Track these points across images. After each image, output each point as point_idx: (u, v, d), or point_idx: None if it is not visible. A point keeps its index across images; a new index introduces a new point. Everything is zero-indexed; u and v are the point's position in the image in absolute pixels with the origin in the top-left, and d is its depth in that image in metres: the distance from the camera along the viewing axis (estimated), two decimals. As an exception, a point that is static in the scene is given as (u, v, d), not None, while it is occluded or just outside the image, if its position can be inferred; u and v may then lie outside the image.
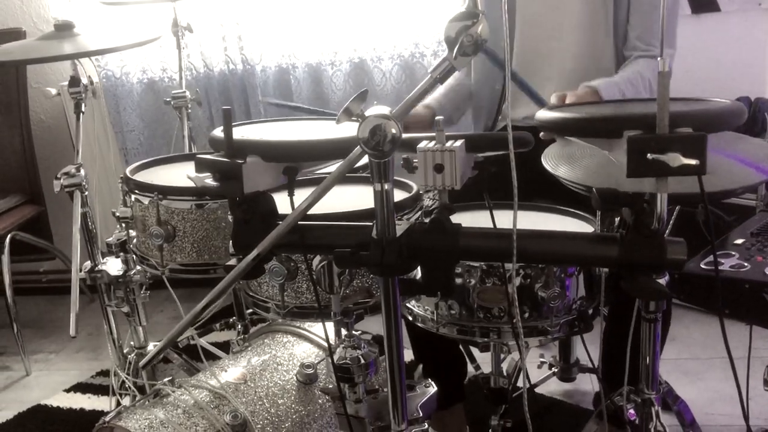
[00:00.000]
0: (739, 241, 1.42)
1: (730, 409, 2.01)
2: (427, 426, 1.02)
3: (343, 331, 1.07)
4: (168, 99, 2.02)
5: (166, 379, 1.42)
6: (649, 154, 0.79)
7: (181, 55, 2.12)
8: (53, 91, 2.70)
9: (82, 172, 1.62)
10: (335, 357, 1.06)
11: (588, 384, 2.25)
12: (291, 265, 1.16)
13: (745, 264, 1.32)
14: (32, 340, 2.89)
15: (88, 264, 1.67)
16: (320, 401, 1.41)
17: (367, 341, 1.08)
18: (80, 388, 2.50)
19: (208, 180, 0.93)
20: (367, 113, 0.87)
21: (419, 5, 2.61)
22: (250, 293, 1.28)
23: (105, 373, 2.57)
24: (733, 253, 1.37)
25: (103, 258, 1.69)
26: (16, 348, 2.71)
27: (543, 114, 0.99)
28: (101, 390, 2.46)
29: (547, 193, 1.40)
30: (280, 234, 0.94)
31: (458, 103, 1.95)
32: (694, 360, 2.30)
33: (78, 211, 1.60)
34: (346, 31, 2.67)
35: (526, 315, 1.30)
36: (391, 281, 0.93)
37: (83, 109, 1.71)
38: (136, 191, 1.47)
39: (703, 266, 1.34)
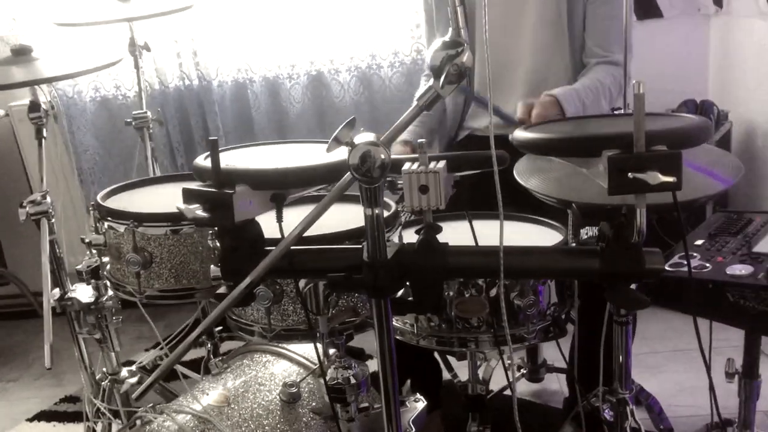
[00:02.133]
0: (699, 242, 1.50)
1: (692, 400, 2.10)
2: (420, 440, 1.05)
3: (332, 351, 1.09)
4: (129, 120, 1.99)
5: (147, 406, 1.40)
6: (630, 173, 0.83)
7: (139, 75, 2.09)
8: (1, 113, 2.64)
9: (48, 199, 1.59)
10: (328, 378, 1.07)
11: (555, 383, 2.32)
12: (276, 289, 1.17)
13: (707, 264, 1.39)
14: (-13, 369, 2.80)
15: (56, 291, 1.64)
16: (305, 419, 1.41)
17: (357, 361, 1.09)
18: (44, 416, 2.44)
19: (198, 211, 0.93)
20: (356, 140, 0.89)
21: (374, 17, 2.64)
22: (234, 317, 1.28)
23: (69, 400, 2.51)
24: (695, 254, 1.45)
25: (71, 285, 1.66)
26: (-29, 379, 2.63)
27: (520, 134, 1.03)
28: (67, 417, 2.41)
29: (516, 200, 1.45)
30: (271, 261, 0.95)
31: (431, 126, 1.99)
32: (654, 354, 2.39)
33: (46, 239, 1.56)
34: (302, 44, 2.68)
35: (503, 324, 1.33)
36: (384, 302, 0.95)
37: (45, 134, 1.67)
38: (110, 218, 1.45)
39: (668, 268, 1.40)
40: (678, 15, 2.71)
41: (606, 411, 1.39)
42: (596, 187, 0.94)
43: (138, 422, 1.36)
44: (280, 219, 1.00)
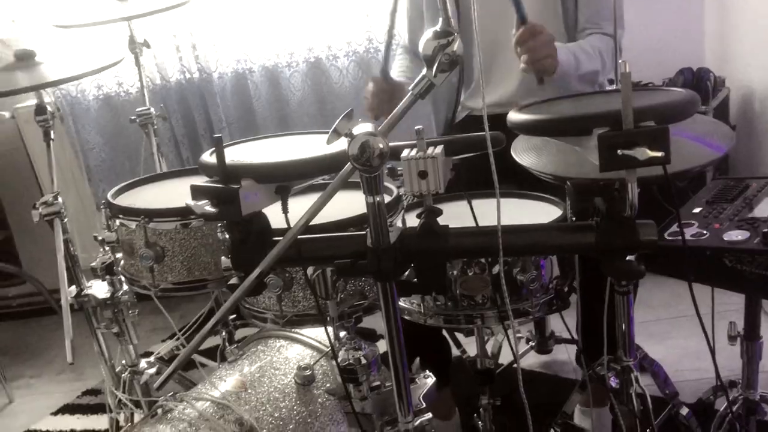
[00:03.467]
0: (697, 210, 1.53)
1: (697, 364, 2.14)
2: (431, 415, 1.09)
3: (342, 334, 1.13)
4: (133, 117, 2.03)
5: (168, 395, 1.46)
6: (618, 150, 0.86)
7: (141, 72, 2.13)
8: (7, 115, 2.68)
9: (60, 199, 1.63)
10: (339, 359, 1.11)
11: (564, 354, 2.36)
12: (286, 276, 1.21)
13: (705, 232, 1.42)
14: (10, 366, 2.87)
15: (73, 289, 1.69)
16: (320, 400, 1.46)
17: (367, 342, 1.14)
18: (68, 409, 2.51)
19: (207, 207, 0.97)
20: (355, 131, 0.92)
21: (370, 0, 2.65)
22: (246, 305, 1.32)
23: (91, 393, 2.58)
24: (693, 222, 1.47)
25: (87, 281, 1.70)
26: (-5, 377, 2.69)
27: (514, 116, 1.06)
28: (90, 409, 2.48)
29: (516, 177, 1.48)
30: (279, 251, 0.99)
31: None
32: (658, 321, 2.43)
33: (60, 239, 1.61)
34: (300, 32, 2.70)
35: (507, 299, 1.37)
36: (389, 285, 0.99)
37: (52, 136, 1.71)
38: (121, 216, 1.50)
39: (667, 237, 1.44)
40: (672, -17, 2.71)
41: (611, 379, 1.43)
42: (590, 164, 0.97)
43: (159, 411, 1.41)
44: (285, 210, 1.03)
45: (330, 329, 1.16)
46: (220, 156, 0.99)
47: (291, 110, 2.76)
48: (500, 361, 2.14)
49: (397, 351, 1.03)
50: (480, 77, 1.22)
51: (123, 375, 1.76)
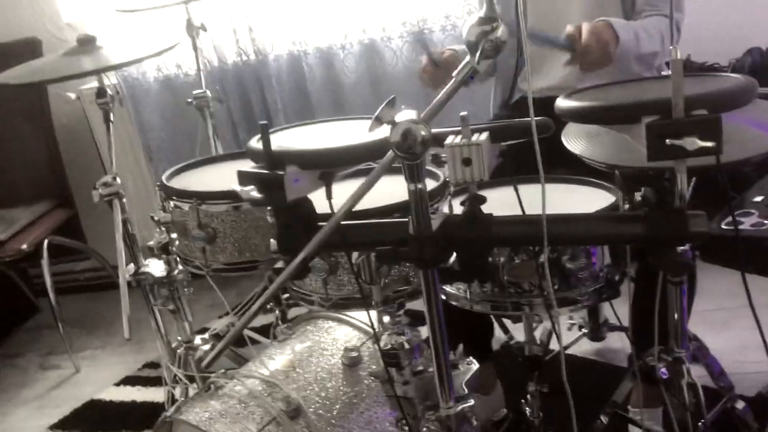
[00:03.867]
0: (758, 199, 1.47)
1: (760, 357, 2.06)
2: (473, 402, 1.09)
3: (386, 319, 1.14)
4: (189, 100, 2.07)
5: (219, 371, 1.50)
6: (667, 140, 0.84)
7: (198, 55, 2.17)
8: (73, 96, 2.77)
9: (119, 180, 1.69)
10: (382, 344, 1.13)
11: (618, 342, 2.32)
12: (331, 261, 1.23)
13: (765, 222, 1.37)
14: (77, 337, 3.01)
15: (131, 267, 1.75)
16: (366, 382, 1.48)
17: (409, 325, 1.14)
18: (129, 381, 2.61)
19: (253, 192, 0.99)
20: (397, 119, 0.92)
21: (424, -19, 2.63)
22: (294, 288, 1.35)
23: (150, 366, 2.68)
24: (753, 211, 1.43)
25: (144, 260, 1.76)
26: (63, 347, 2.82)
27: (562, 102, 1.04)
28: (149, 382, 2.57)
29: (569, 163, 1.45)
30: (323, 237, 1.01)
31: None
32: (720, 310, 2.35)
33: (119, 218, 1.67)
34: (354, 13, 2.70)
35: (556, 287, 1.35)
36: (431, 272, 0.99)
37: (112, 118, 1.76)
38: (174, 198, 1.54)
39: (723, 227, 1.39)
40: (742, -43, 2.59)
41: (662, 370, 1.40)
42: (639, 153, 0.94)
43: (212, 387, 1.46)
44: (329, 196, 1.04)
45: (374, 314, 1.17)
46: (266, 142, 1.00)
47: (345, 93, 2.77)
48: (552, 346, 2.12)
49: (439, 337, 1.03)
50: (526, 60, 1.19)
51: (178, 351, 1.82)
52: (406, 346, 1.13)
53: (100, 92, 1.76)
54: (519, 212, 1.08)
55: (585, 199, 1.45)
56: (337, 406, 1.42)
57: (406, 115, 0.93)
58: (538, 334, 1.65)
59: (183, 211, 1.53)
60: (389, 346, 1.12)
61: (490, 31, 0.87)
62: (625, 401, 1.69)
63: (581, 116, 0.99)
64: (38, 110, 2.94)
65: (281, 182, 0.98)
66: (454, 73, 0.93)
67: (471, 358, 1.19)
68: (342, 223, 1.02)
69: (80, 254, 3.07)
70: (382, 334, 1.13)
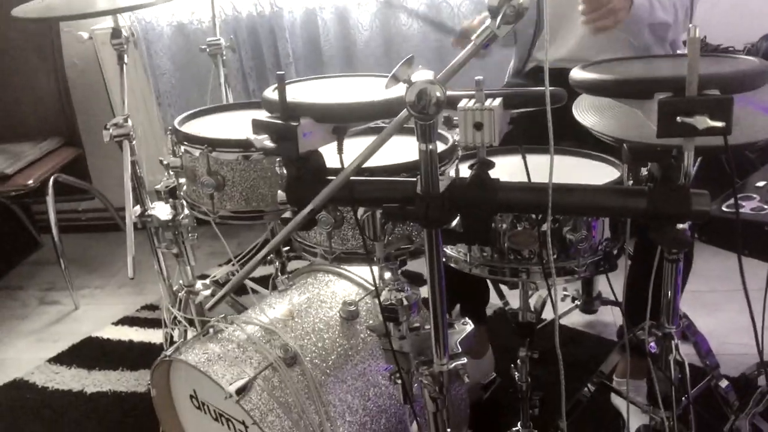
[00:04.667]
0: (761, 184, 1.49)
1: (746, 340, 2.09)
2: (465, 360, 1.13)
3: (388, 275, 1.17)
4: (203, 46, 2.07)
5: (219, 316, 1.54)
6: (678, 117, 0.85)
7: (213, 1, 2.15)
8: (85, 35, 2.76)
9: (130, 122, 1.70)
10: (381, 299, 1.15)
11: (609, 316, 2.36)
12: (337, 215, 1.25)
13: (766, 207, 1.39)
14: (77, 276, 3.05)
15: (137, 209, 1.77)
16: (362, 336, 1.52)
17: (408, 283, 1.17)
18: (127, 321, 2.66)
19: (266, 142, 1.00)
20: (413, 78, 0.93)
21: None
22: (298, 239, 1.37)
23: (149, 308, 2.73)
24: (754, 195, 1.44)
25: (151, 203, 1.79)
26: (63, 283, 2.87)
27: (576, 73, 1.05)
28: (147, 323, 2.62)
29: (577, 135, 1.46)
30: (332, 191, 1.02)
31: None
32: (713, 292, 2.39)
33: (128, 160, 1.69)
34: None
35: (555, 256, 1.38)
36: (434, 232, 1.02)
37: (126, 60, 1.77)
38: (186, 143, 1.55)
39: (724, 209, 1.41)
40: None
41: (651, 344, 1.44)
42: (649, 129, 0.96)
43: (211, 330, 1.50)
44: (341, 150, 1.06)
45: (375, 269, 1.19)
46: (282, 93, 1.01)
47: (357, 50, 2.76)
48: (544, 316, 2.16)
49: (438, 296, 1.06)
50: (545, 30, 1.20)
51: (179, 294, 1.85)
52: (405, 302, 1.16)
53: (115, 33, 1.76)
54: (525, 180, 1.10)
55: (590, 173, 1.47)
56: (333, 357, 1.46)
57: (422, 75, 0.93)
58: (532, 302, 1.68)
59: (193, 156, 1.54)
60: (389, 302, 1.14)
61: (513, -4, 0.88)
62: (611, 372, 1.73)
63: (595, 88, 1.00)
64: (50, 47, 2.93)
65: (294, 133, 1.00)
66: (473, 37, 0.93)
67: (467, 318, 1.22)
68: (351, 178, 1.04)
69: (84, 194, 3.10)
70: (382, 289, 1.15)
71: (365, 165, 1.03)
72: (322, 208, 1.08)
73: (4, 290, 3.07)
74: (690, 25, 0.84)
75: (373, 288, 1.48)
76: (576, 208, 1.03)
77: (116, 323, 2.65)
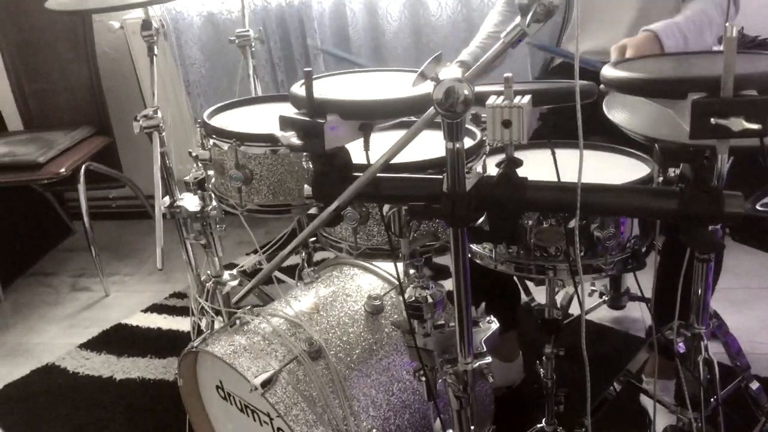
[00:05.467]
0: (796, 182, 1.45)
1: (777, 339, 2.07)
2: (490, 359, 1.12)
3: (412, 271, 1.16)
4: (232, 38, 2.07)
5: (246, 308, 1.55)
6: (712, 119, 0.83)
7: (243, -7, 2.16)
8: (116, 25, 2.79)
9: (159, 114, 1.71)
10: (406, 296, 1.15)
11: (637, 312, 2.33)
12: (363, 211, 1.25)
13: (801, 206, 1.36)
14: (108, 263, 3.10)
15: (167, 199, 1.79)
16: (386, 330, 1.52)
17: (434, 280, 1.16)
18: (156, 308, 2.70)
19: (293, 138, 1.00)
20: (441, 76, 0.92)
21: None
22: (324, 234, 1.37)
23: (178, 296, 2.76)
24: (791, 195, 1.41)
25: (180, 193, 1.80)
26: (94, 270, 2.92)
27: (607, 71, 1.03)
28: (176, 311, 2.66)
29: (607, 131, 1.44)
30: (358, 187, 1.02)
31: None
32: (744, 289, 2.35)
33: (158, 151, 1.70)
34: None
35: (582, 254, 1.36)
36: (461, 231, 1.01)
37: (156, 51, 1.78)
38: (215, 136, 1.56)
39: (759, 208, 1.38)
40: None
41: (680, 344, 1.42)
42: (682, 129, 0.94)
43: (237, 322, 1.51)
44: (367, 147, 1.05)
45: (400, 266, 1.19)
46: (309, 89, 1.01)
47: (386, 40, 2.75)
48: (571, 311, 2.14)
49: (463, 294, 1.05)
50: (575, 14, 1.18)
51: (207, 284, 1.87)
52: (430, 300, 1.15)
53: (145, 24, 1.77)
54: (554, 176, 1.09)
55: (620, 169, 1.45)
56: (357, 351, 1.47)
57: (450, 72, 0.93)
58: (558, 298, 1.67)
59: (222, 150, 1.55)
60: (413, 299, 1.14)
61: (544, -6, 0.86)
62: (639, 370, 1.71)
63: (627, 87, 0.98)
64: (82, 36, 2.97)
65: (321, 130, 0.99)
66: (502, 35, 0.92)
67: (492, 317, 1.21)
68: (377, 175, 1.04)
69: (115, 182, 3.14)
70: (407, 286, 1.15)
71: (393, 162, 1.03)
72: (348, 204, 1.08)
73: (38, 276, 3.14)
74: (727, 24, 0.82)
75: (398, 284, 1.48)
76: (606, 208, 1.02)
77: (145, 311, 2.69)
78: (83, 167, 2.78)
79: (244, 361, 1.39)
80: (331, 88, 1.19)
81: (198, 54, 2.92)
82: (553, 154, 1.10)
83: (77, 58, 3.00)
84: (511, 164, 1.03)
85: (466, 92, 0.92)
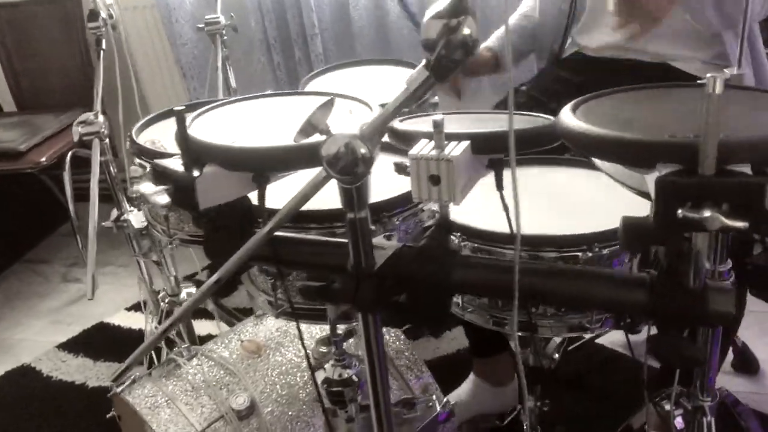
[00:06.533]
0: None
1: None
2: (422, 456, 0.92)
3: (332, 349, 0.96)
4: (201, 25, 1.85)
5: (183, 346, 1.38)
6: (679, 210, 0.59)
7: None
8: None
9: (101, 118, 1.52)
10: (324, 376, 0.95)
11: (653, 336, 2.08)
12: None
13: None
14: (103, 251, 2.93)
15: (114, 212, 1.62)
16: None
17: (357, 356, 0.96)
18: (139, 307, 2.55)
19: (158, 196, 0.80)
20: (333, 130, 0.70)
21: None
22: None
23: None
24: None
25: (129, 206, 1.63)
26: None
27: (567, 121, 0.76)
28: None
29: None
30: (246, 253, 0.81)
31: (534, 32, 1.72)
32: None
33: (97, 161, 1.52)
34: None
35: (563, 310, 1.13)
36: (371, 316, 0.80)
37: (104, 46, 1.58)
38: (143, 156, 1.36)
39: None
40: None
41: (677, 418, 1.18)
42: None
43: (172, 365, 1.35)
44: (262, 205, 0.84)
45: (309, 347, 0.98)
46: (183, 132, 0.80)
47: (390, 20, 2.49)
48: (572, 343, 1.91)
49: (379, 385, 0.85)
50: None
51: (162, 304, 1.70)
52: (354, 380, 0.95)
53: (92, 15, 1.58)
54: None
55: (596, 184, 1.17)
56: (298, 405, 1.28)
57: (346, 124, 0.70)
58: (548, 350, 1.44)
59: (145, 171, 1.35)
60: (333, 382, 0.94)
61: (455, 28, 0.63)
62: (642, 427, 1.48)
63: (587, 147, 0.72)
64: (73, 19, 2.82)
65: (192, 185, 0.79)
66: (406, 81, 0.69)
67: (434, 396, 1.00)
68: (277, 234, 0.83)
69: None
70: (326, 363, 0.95)
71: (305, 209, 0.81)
72: (238, 272, 0.87)
73: (32, 263, 3.04)
74: (708, 75, 0.57)
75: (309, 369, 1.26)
76: (553, 296, 0.79)
77: (129, 308, 2.56)
78: (69, 155, 2.63)
79: (163, 416, 1.22)
80: (219, 121, 0.96)
81: (190, 33, 2.71)
82: (505, 205, 0.84)
83: (69, 40, 2.85)
84: (439, 231, 0.81)
85: (362, 150, 0.69)
